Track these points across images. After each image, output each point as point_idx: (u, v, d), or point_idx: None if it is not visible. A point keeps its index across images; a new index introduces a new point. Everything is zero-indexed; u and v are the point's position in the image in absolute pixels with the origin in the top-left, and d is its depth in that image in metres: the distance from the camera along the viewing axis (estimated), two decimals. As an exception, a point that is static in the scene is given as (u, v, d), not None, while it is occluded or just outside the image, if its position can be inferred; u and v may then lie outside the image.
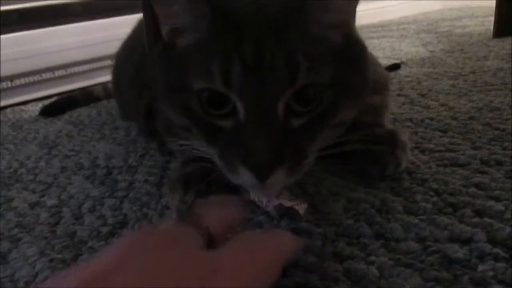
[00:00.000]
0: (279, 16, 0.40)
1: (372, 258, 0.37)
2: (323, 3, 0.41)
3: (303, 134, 0.41)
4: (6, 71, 1.27)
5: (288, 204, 0.44)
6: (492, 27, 1.38)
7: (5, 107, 1.24)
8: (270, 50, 0.38)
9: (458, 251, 0.37)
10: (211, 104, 0.40)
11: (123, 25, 1.34)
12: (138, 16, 0.99)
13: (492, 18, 1.38)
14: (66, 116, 1.05)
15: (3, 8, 1.28)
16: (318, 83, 0.40)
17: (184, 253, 0.28)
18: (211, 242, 0.30)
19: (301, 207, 0.44)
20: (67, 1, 1.41)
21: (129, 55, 0.89)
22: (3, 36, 1.27)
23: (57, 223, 0.51)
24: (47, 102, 1.24)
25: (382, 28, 1.83)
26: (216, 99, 0.40)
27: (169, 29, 0.45)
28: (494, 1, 1.38)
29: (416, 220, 0.42)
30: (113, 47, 1.32)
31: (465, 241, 0.38)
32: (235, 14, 0.40)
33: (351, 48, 0.45)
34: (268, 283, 0.29)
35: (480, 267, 0.35)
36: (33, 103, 1.27)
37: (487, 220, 0.40)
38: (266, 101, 0.38)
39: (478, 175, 0.49)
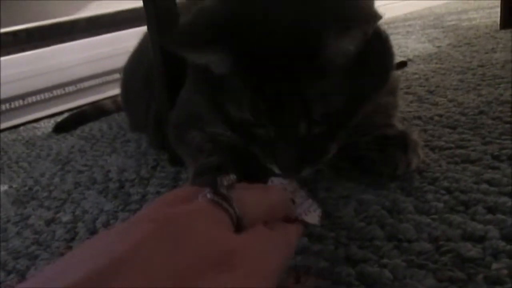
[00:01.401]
0: (296, 52, 0.41)
1: (385, 260, 0.37)
2: (340, 26, 0.40)
3: (324, 136, 0.46)
4: (18, 89, 1.30)
5: (301, 215, 0.39)
6: (499, 19, 1.37)
7: (19, 126, 1.27)
8: (288, 91, 0.42)
9: (472, 250, 0.37)
10: (246, 122, 0.46)
11: (128, 38, 1.37)
12: (143, 29, 1.01)
13: (499, 10, 1.36)
14: (78, 131, 1.07)
15: (12, 28, 1.31)
16: (334, 106, 0.43)
17: (207, 240, 0.25)
18: (239, 226, 0.28)
19: (313, 216, 0.40)
20: (73, 18, 1.43)
21: (136, 68, 0.91)
22: (12, 56, 1.30)
23: (73, 238, 0.52)
24: (59, 118, 1.26)
25: (388, 25, 1.82)
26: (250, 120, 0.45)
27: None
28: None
29: (428, 220, 0.42)
30: (120, 61, 1.34)
31: (478, 239, 0.38)
32: (255, 50, 0.42)
33: (368, 48, 0.43)
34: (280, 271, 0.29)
35: (494, 265, 0.34)
36: (46, 120, 1.29)
37: (500, 216, 0.40)
38: (288, 127, 0.44)
39: (490, 170, 0.49)
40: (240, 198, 0.29)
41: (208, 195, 0.29)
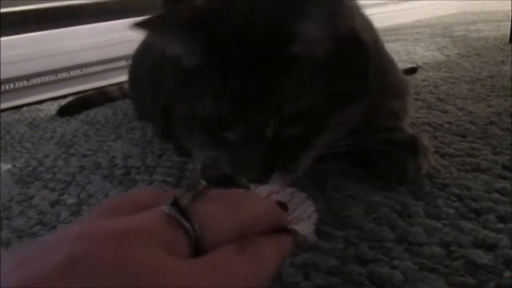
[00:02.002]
0: (265, 45, 0.39)
1: (396, 262, 0.37)
2: (312, 21, 0.40)
3: (296, 141, 0.42)
4: (23, 70, 1.29)
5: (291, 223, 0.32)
6: (508, 32, 1.37)
7: (22, 106, 1.26)
8: (254, 88, 0.39)
9: (483, 257, 0.37)
10: (215, 121, 0.42)
11: (138, 26, 1.36)
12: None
13: (508, 23, 1.37)
14: (82, 116, 1.06)
15: (20, 8, 1.30)
16: (306, 104, 0.40)
17: (141, 275, 0.19)
18: (200, 247, 0.23)
19: (307, 225, 0.31)
20: (83, 2, 1.42)
21: (145, 57, 0.90)
22: (21, 36, 1.29)
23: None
24: (62, 101, 1.25)
25: (396, 31, 1.82)
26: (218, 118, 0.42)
27: (170, 53, 0.45)
28: (511, 6, 1.37)
29: (439, 225, 0.42)
30: (128, 48, 1.33)
31: (490, 247, 0.38)
32: (223, 41, 0.40)
33: (341, 53, 0.42)
34: None
35: (506, 274, 0.34)
36: (49, 102, 1.29)
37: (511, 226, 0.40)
38: (254, 129, 0.41)
39: (500, 180, 0.49)
40: (206, 211, 0.24)
41: (164, 208, 0.23)
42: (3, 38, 1.24)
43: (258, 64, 0.39)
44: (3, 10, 1.25)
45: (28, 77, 1.30)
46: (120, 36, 1.42)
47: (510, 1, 1.37)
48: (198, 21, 0.41)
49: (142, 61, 0.92)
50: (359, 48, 0.45)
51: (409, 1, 2.31)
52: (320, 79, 0.41)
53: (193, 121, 0.45)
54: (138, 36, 0.98)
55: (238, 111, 0.40)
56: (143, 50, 0.94)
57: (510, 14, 1.36)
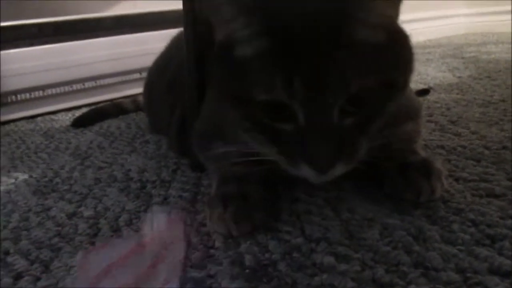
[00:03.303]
0: (328, 28, 0.42)
1: (413, 287, 0.38)
2: (368, 7, 0.43)
3: (356, 129, 0.44)
4: (39, 81, 1.31)
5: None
6: (519, 55, 1.38)
7: (37, 116, 1.28)
8: (323, 65, 0.42)
9: (499, 284, 0.37)
10: (272, 110, 0.44)
11: (152, 40, 1.39)
12: (168, 32, 1.02)
13: (519, 46, 1.38)
14: (96, 127, 1.08)
15: (37, 20, 1.32)
16: (366, 86, 0.43)
17: None
18: None
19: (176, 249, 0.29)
20: (100, 16, 1.45)
21: (162, 72, 0.92)
22: (37, 48, 1.31)
23: (96, 234, 0.53)
24: (76, 112, 1.27)
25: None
26: (276, 107, 0.44)
27: (226, 34, 0.47)
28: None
29: (455, 250, 0.42)
30: (141, 61, 1.36)
31: (506, 274, 0.38)
32: (289, 26, 0.43)
33: (393, 43, 0.45)
34: None
35: (523, 302, 0.35)
36: (63, 113, 1.31)
37: (527, 254, 0.40)
38: (323, 110, 0.42)
39: (515, 207, 0.49)
40: None
41: None
42: (20, 50, 1.27)
43: (323, 47, 0.42)
44: (21, 22, 1.28)
45: (43, 87, 1.32)
46: (135, 49, 1.44)
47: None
48: (260, 4, 0.44)
49: (159, 75, 0.93)
50: (405, 39, 0.48)
51: (420, 21, 2.32)
52: (378, 64, 0.44)
53: (244, 115, 0.47)
54: (151, 50, 1.01)
55: (307, 93, 0.42)
56: (161, 63, 0.96)
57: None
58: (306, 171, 0.44)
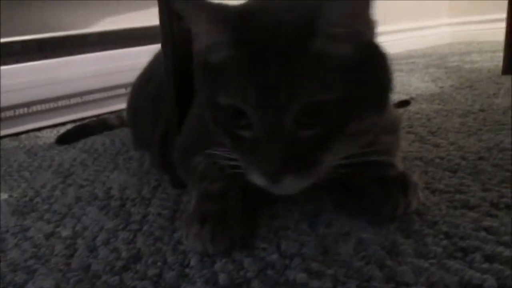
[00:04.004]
0: (288, 40, 0.44)
1: (383, 302, 0.38)
2: (332, 21, 0.44)
3: (314, 143, 0.45)
4: (24, 98, 1.31)
5: None
6: (501, 63, 1.40)
7: (21, 133, 1.27)
8: (276, 74, 0.43)
9: (469, 298, 0.37)
10: (234, 117, 0.47)
11: (137, 55, 1.39)
12: (152, 47, 1.03)
13: (501, 54, 1.40)
14: (80, 144, 1.07)
15: (21, 38, 1.32)
16: (323, 99, 0.44)
17: None
18: None
19: None
20: (84, 32, 1.45)
21: (145, 87, 0.92)
22: (22, 65, 1.31)
23: (72, 255, 0.52)
24: (61, 128, 1.27)
25: (392, 61, 1.85)
26: (238, 113, 0.46)
27: (200, 46, 0.51)
28: (504, 37, 1.40)
29: (427, 264, 0.42)
30: (126, 77, 1.36)
31: (475, 287, 0.39)
32: (253, 36, 0.45)
33: (365, 59, 0.46)
34: None
35: (491, 316, 0.35)
36: (48, 130, 1.30)
37: (497, 266, 0.41)
38: (273, 117, 0.44)
39: (488, 218, 0.50)
40: None
41: None
42: (5, 67, 1.26)
43: (281, 57, 0.43)
44: (5, 40, 1.28)
45: (28, 104, 1.32)
46: (119, 65, 1.44)
47: (503, 31, 1.40)
48: (230, 18, 0.47)
49: (142, 90, 0.94)
50: (381, 58, 0.49)
51: (404, 32, 2.35)
52: (340, 78, 0.44)
53: (212, 120, 0.51)
54: (136, 65, 1.01)
55: (259, 98, 0.44)
56: (144, 79, 0.97)
57: (503, 45, 1.39)
58: (258, 179, 0.45)
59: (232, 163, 0.51)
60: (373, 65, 0.48)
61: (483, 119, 0.89)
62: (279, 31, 0.45)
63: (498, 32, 1.44)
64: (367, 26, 0.48)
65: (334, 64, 0.44)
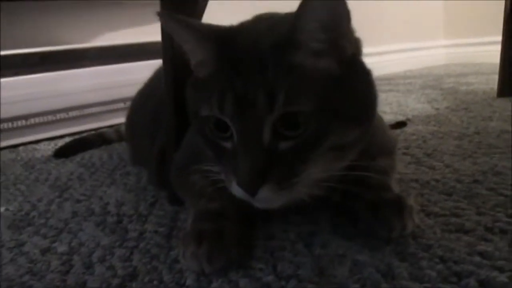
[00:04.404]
0: (268, 53, 0.46)
1: (378, 326, 0.38)
2: (310, 31, 0.46)
3: (293, 155, 0.46)
4: (22, 110, 1.31)
5: None
6: (496, 86, 1.42)
7: (19, 145, 1.27)
8: (254, 85, 0.45)
9: (463, 324, 0.37)
10: (217, 128, 0.49)
11: (136, 70, 1.40)
12: (151, 62, 1.04)
13: (496, 76, 1.42)
14: (78, 158, 1.08)
15: (22, 51, 1.33)
16: (300, 111, 0.45)
17: None
18: None
19: None
20: (84, 46, 1.47)
21: (145, 103, 0.93)
22: (21, 77, 1.32)
23: (68, 271, 0.52)
24: (59, 141, 1.27)
25: (389, 81, 1.88)
26: (219, 125, 0.48)
27: (193, 63, 0.53)
28: (499, 59, 1.42)
29: (421, 288, 0.43)
30: (125, 91, 1.37)
31: (470, 313, 0.39)
32: (234, 52, 0.48)
33: (347, 73, 0.48)
34: None
35: None
36: (46, 142, 1.30)
37: (491, 291, 0.41)
38: (250, 127, 0.45)
39: (482, 242, 0.50)
40: None
41: None
42: (4, 79, 1.27)
43: (261, 69, 0.45)
44: (6, 52, 1.29)
45: (27, 117, 1.33)
46: (118, 79, 1.46)
47: (499, 54, 1.42)
48: (214, 35, 0.50)
49: (142, 106, 0.94)
50: (363, 74, 0.51)
51: (401, 52, 2.38)
52: (320, 91, 0.45)
53: (197, 133, 0.53)
54: (135, 80, 1.02)
55: (236, 109, 0.45)
56: (144, 95, 0.97)
57: (498, 68, 1.41)
58: (236, 190, 0.46)
59: (217, 177, 0.53)
60: (356, 80, 0.49)
61: (478, 142, 0.90)
62: (258, 45, 0.47)
63: (494, 54, 1.46)
64: (347, 41, 0.49)
65: (313, 77, 0.46)
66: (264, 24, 0.52)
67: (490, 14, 1.72)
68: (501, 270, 0.45)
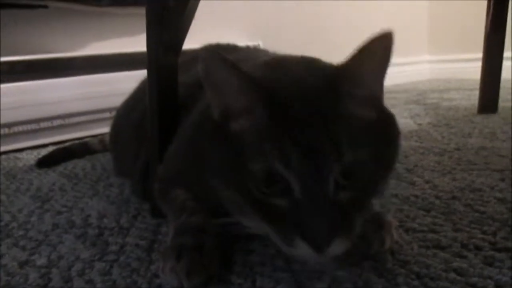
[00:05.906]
0: (320, 100, 0.45)
1: None
2: (359, 84, 0.46)
3: (351, 206, 0.44)
4: (6, 118, 1.30)
5: None
6: (477, 102, 1.45)
7: (1, 154, 1.26)
8: (318, 135, 0.43)
9: None
10: (267, 184, 0.44)
11: (122, 80, 1.41)
12: (137, 72, 1.04)
13: (478, 92, 1.45)
14: (60, 168, 1.07)
15: (6, 59, 1.33)
16: (359, 159, 0.44)
17: None
18: None
19: None
20: (70, 55, 1.46)
21: (130, 114, 0.93)
22: (6, 85, 1.31)
23: (46, 285, 0.52)
24: (42, 150, 1.26)
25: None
26: (270, 179, 0.44)
27: (222, 110, 0.49)
28: (480, 76, 1.45)
29: (397, 305, 0.43)
30: (110, 101, 1.37)
31: (443, 330, 0.40)
32: (285, 104, 0.45)
33: (382, 120, 0.49)
34: None
35: None
36: (29, 151, 1.29)
37: (465, 308, 0.42)
38: (318, 179, 0.43)
39: (458, 259, 0.51)
40: None
41: None
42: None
43: (321, 119, 0.44)
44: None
45: (10, 125, 1.31)
46: (104, 89, 1.45)
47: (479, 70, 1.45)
48: (259, 84, 0.47)
49: (126, 118, 0.94)
50: (390, 118, 0.51)
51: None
52: (368, 140, 0.45)
53: (237, 189, 0.47)
54: (121, 89, 1.02)
55: (303, 161, 0.42)
56: (129, 105, 0.97)
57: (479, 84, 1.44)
58: (302, 249, 0.42)
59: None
60: (387, 124, 0.50)
61: (458, 158, 0.92)
62: (310, 94, 0.46)
63: (476, 70, 1.49)
64: (382, 90, 0.51)
65: (361, 126, 0.45)
66: (299, 67, 0.51)
67: (473, 32, 1.76)
68: (474, 287, 0.46)
